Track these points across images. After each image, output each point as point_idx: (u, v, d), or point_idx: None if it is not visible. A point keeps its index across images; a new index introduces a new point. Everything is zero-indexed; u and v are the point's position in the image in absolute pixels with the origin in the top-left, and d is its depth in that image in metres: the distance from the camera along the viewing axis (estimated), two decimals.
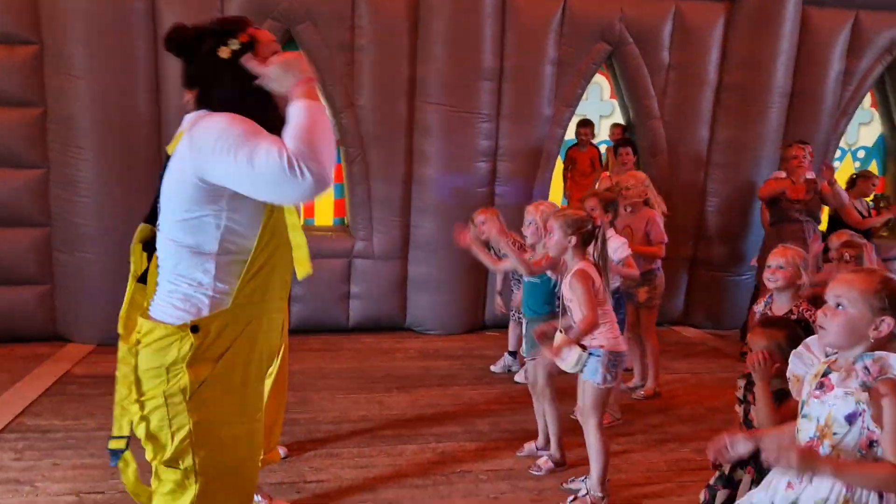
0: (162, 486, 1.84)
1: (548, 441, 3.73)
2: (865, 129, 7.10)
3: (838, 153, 6.90)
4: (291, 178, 1.62)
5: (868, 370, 1.77)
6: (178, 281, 1.83)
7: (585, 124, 6.43)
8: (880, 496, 1.79)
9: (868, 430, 1.77)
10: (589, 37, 5.88)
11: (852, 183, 6.30)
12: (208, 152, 1.69)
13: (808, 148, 5.69)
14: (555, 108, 5.94)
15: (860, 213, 6.14)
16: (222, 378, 1.82)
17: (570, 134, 6.37)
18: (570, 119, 6.13)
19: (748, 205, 6.34)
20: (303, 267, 1.94)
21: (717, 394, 4.76)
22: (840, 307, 1.87)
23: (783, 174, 5.67)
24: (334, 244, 5.75)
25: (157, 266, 1.88)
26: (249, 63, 1.81)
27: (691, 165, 6.34)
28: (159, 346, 1.79)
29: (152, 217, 1.90)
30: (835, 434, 1.82)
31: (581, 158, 6.48)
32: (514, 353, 5.13)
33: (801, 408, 1.96)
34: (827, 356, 1.95)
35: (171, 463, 1.82)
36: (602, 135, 6.81)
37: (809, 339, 2.07)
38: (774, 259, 2.98)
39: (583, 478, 3.37)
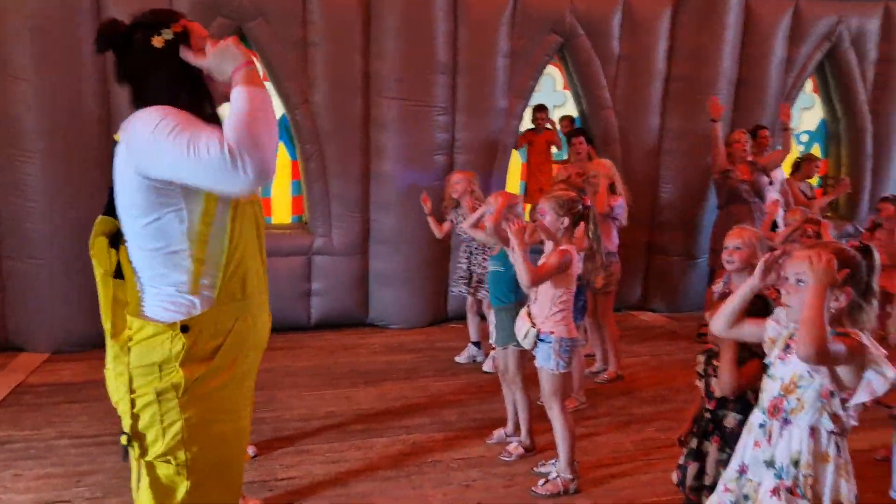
0: (154, 481, 1.83)
1: (517, 427, 3.79)
2: (808, 113, 7.36)
3: None
4: (233, 171, 1.59)
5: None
6: (160, 285, 1.81)
7: (541, 109, 6.51)
8: (837, 447, 1.99)
9: (827, 382, 1.95)
10: (540, 29, 5.96)
11: (797, 167, 6.56)
12: (146, 145, 1.67)
13: (765, 132, 6.09)
14: (509, 100, 6.00)
15: (804, 195, 6.39)
16: (214, 375, 1.82)
17: (528, 123, 6.45)
18: (524, 110, 6.21)
19: (701, 191, 6.51)
20: None
21: (677, 375, 4.90)
22: (801, 283, 1.95)
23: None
24: (293, 242, 5.70)
25: (135, 272, 1.85)
26: (187, 55, 1.79)
27: (644, 154, 6.48)
28: (150, 343, 1.78)
29: (110, 209, 1.86)
30: (799, 388, 2.00)
31: (538, 141, 6.56)
32: (477, 344, 5.17)
33: (767, 370, 2.12)
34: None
35: (164, 458, 1.81)
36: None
37: (777, 311, 2.16)
38: (731, 240, 3.00)
39: (552, 461, 3.44)
